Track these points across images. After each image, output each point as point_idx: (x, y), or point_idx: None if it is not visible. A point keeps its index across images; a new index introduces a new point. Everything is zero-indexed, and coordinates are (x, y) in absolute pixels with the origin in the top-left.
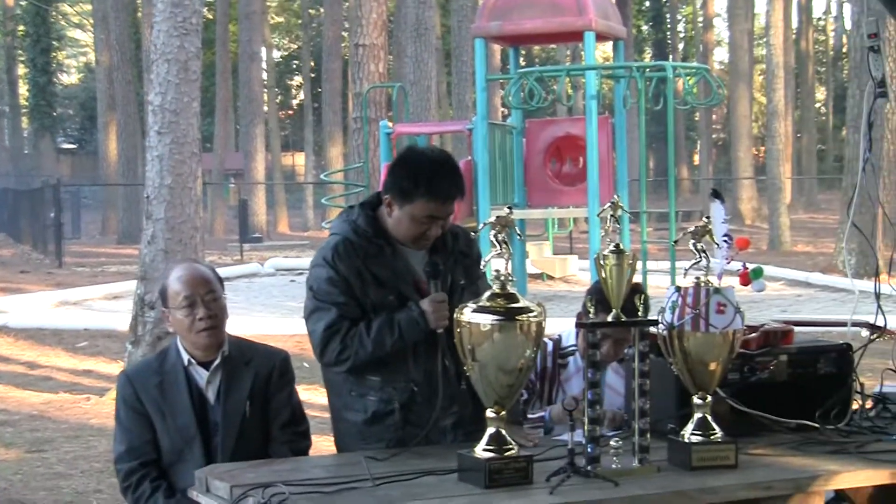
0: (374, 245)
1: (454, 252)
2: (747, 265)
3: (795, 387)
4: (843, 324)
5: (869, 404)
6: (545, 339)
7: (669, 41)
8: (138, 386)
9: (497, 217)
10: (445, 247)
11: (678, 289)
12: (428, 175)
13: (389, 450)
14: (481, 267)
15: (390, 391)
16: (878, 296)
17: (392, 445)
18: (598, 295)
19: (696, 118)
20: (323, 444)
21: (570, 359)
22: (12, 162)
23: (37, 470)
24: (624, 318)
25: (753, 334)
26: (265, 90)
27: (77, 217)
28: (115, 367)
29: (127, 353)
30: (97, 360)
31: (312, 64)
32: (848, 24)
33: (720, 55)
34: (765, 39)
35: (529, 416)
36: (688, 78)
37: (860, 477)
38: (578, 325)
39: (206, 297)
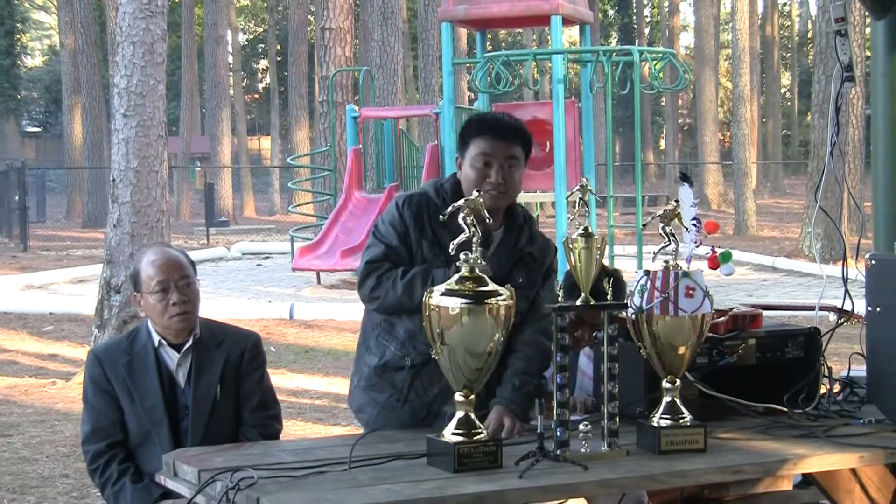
0: (448, 207)
1: (520, 250)
2: (716, 249)
3: (764, 371)
4: (811, 308)
5: (836, 388)
6: None
7: (635, 25)
8: (107, 365)
9: (466, 200)
10: (517, 241)
11: (647, 272)
12: (482, 118)
13: (367, 434)
14: (450, 250)
15: (410, 348)
16: (845, 280)
17: (394, 401)
18: (570, 280)
19: (663, 103)
20: (293, 428)
21: None
22: None
23: (2, 455)
24: (593, 302)
25: (722, 318)
26: (231, 73)
27: (42, 200)
28: (81, 352)
29: (92, 337)
30: (63, 344)
31: (278, 47)
32: (813, 10)
33: (686, 40)
34: (730, 24)
35: None
36: (654, 62)
37: (828, 461)
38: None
39: (180, 283)
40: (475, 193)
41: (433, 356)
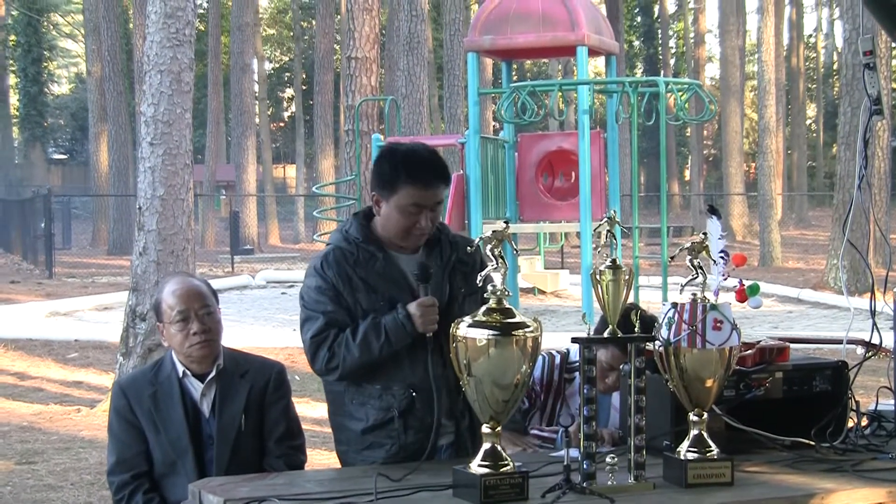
0: (365, 251)
1: (451, 260)
2: (744, 281)
3: (791, 404)
4: (839, 341)
5: (864, 422)
6: (553, 353)
7: (661, 56)
8: (132, 396)
9: (493, 231)
10: (442, 256)
11: (674, 305)
12: (408, 161)
13: (391, 466)
14: (478, 281)
15: (389, 399)
16: (873, 313)
17: (393, 451)
18: (605, 325)
19: (688, 134)
20: (316, 458)
21: (577, 374)
22: (2, 172)
23: (27, 482)
24: (620, 335)
25: (749, 351)
26: (257, 102)
27: (67, 227)
28: (106, 379)
29: (117, 365)
30: (87, 372)
31: (304, 76)
32: (839, 42)
33: (711, 71)
34: (756, 56)
35: (538, 432)
36: (680, 93)
37: (856, 495)
38: (574, 340)
39: (201, 312)
40: (402, 236)
41: (413, 396)
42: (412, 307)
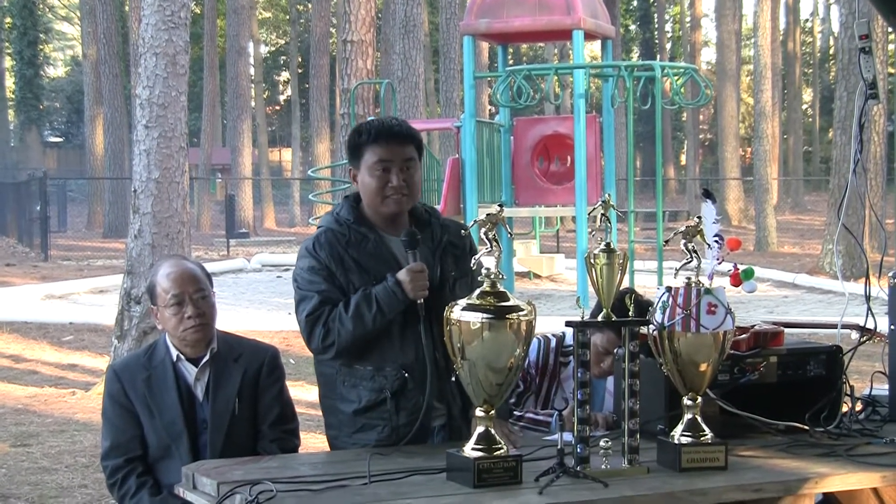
0: (356, 232)
1: (443, 243)
2: (738, 266)
3: (785, 388)
4: (833, 326)
5: (858, 407)
6: (549, 336)
7: (657, 41)
8: (126, 381)
9: (487, 214)
10: (433, 238)
11: (669, 289)
12: (371, 127)
13: (384, 448)
14: (471, 263)
15: (381, 380)
16: (868, 298)
17: (385, 434)
18: (600, 309)
19: (684, 118)
20: (310, 441)
21: (572, 357)
22: None
23: (21, 464)
24: (614, 318)
25: (743, 335)
26: (252, 85)
27: (63, 210)
28: (101, 362)
29: (112, 348)
30: (82, 355)
31: (300, 59)
32: (835, 26)
33: (707, 55)
34: (752, 40)
35: (532, 415)
36: (676, 78)
37: (850, 480)
38: (568, 324)
39: (195, 296)
40: (378, 200)
41: (406, 377)
42: (401, 274)
